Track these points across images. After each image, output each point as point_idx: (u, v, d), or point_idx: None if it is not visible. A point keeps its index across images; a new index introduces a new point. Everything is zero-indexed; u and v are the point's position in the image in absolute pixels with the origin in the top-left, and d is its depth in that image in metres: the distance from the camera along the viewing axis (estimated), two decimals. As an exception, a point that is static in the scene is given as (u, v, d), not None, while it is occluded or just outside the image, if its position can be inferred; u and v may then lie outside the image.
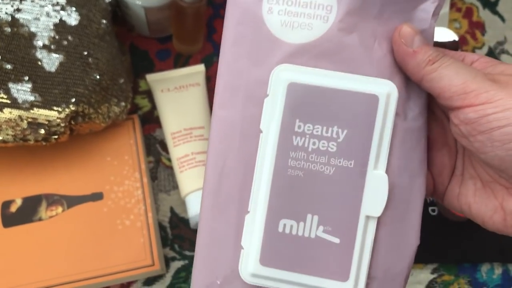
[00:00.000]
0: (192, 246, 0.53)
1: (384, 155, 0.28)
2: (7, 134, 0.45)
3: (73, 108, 0.46)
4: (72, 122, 0.47)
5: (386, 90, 0.28)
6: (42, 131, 0.45)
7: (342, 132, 0.28)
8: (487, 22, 0.61)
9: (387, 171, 0.28)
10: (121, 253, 0.49)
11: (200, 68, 0.55)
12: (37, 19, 0.46)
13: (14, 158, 0.51)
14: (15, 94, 0.44)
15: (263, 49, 0.29)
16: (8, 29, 0.45)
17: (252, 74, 0.29)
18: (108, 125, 0.51)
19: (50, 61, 0.46)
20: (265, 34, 0.29)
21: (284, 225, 0.28)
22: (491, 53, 0.60)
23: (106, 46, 0.49)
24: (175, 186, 0.54)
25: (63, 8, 0.47)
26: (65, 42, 0.46)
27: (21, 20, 0.46)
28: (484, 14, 0.61)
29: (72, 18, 0.47)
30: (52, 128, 0.46)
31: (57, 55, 0.46)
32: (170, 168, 0.55)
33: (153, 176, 0.54)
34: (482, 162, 0.27)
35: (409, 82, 0.29)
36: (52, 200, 0.51)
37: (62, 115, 0.45)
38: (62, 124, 0.46)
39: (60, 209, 0.50)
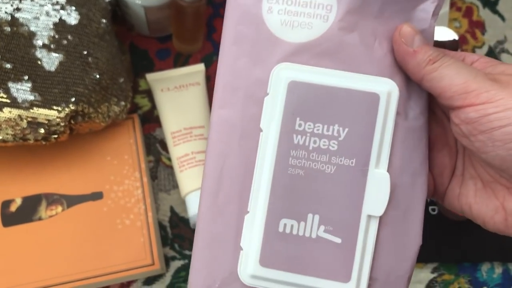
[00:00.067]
0: (192, 245, 0.53)
1: (386, 154, 0.28)
2: (7, 134, 0.44)
3: (73, 108, 0.46)
4: (72, 122, 0.47)
5: (387, 89, 0.28)
6: (42, 131, 0.45)
7: (343, 131, 0.28)
8: (487, 22, 0.61)
9: (388, 170, 0.28)
10: (121, 252, 0.49)
11: (200, 67, 0.55)
12: (36, 18, 0.46)
13: (14, 157, 0.51)
14: (14, 93, 0.44)
15: (263, 48, 0.29)
16: (8, 29, 0.45)
17: (252, 73, 0.29)
18: (108, 124, 0.51)
19: (50, 61, 0.46)
20: (265, 34, 0.29)
21: (285, 225, 0.28)
22: (491, 52, 0.60)
23: (106, 45, 0.49)
24: (175, 186, 0.54)
25: (62, 8, 0.47)
26: (65, 42, 0.46)
27: (20, 20, 0.46)
28: (484, 14, 0.61)
29: (72, 17, 0.47)
30: (52, 127, 0.46)
31: (56, 55, 0.46)
32: (170, 167, 0.54)
33: (153, 175, 0.54)
34: (483, 162, 0.27)
35: (410, 82, 0.29)
36: (52, 199, 0.51)
37: (62, 115, 0.45)
38: (62, 124, 0.46)
39: (60, 208, 0.50)
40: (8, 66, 0.44)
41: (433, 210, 0.53)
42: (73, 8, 0.47)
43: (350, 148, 0.28)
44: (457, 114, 0.26)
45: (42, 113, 0.45)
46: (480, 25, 0.61)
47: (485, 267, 0.54)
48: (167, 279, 0.52)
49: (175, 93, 0.54)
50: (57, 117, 0.45)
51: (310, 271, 0.28)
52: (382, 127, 0.28)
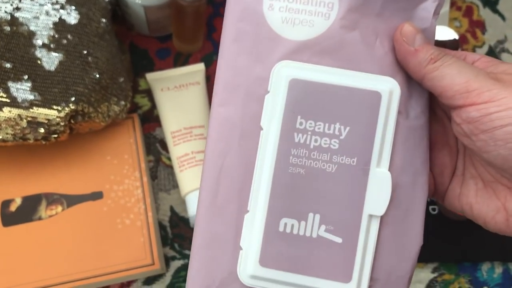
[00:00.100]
0: (192, 245, 0.53)
1: (387, 153, 0.28)
2: (7, 133, 0.44)
3: (72, 107, 0.46)
4: (72, 121, 0.47)
5: (389, 87, 0.28)
6: (42, 130, 0.45)
7: (344, 129, 0.28)
8: (487, 21, 0.61)
9: (390, 170, 0.28)
10: (121, 252, 0.49)
11: (200, 67, 0.55)
12: (36, 18, 0.46)
13: (13, 157, 0.51)
14: (14, 93, 0.44)
15: (264, 46, 0.29)
16: (8, 28, 0.45)
17: (253, 71, 0.29)
18: (108, 124, 0.51)
19: (50, 60, 0.46)
20: (266, 31, 0.29)
21: (285, 224, 0.28)
22: (491, 52, 0.60)
23: (105, 45, 0.49)
24: (175, 185, 0.54)
25: (62, 7, 0.47)
26: (65, 41, 0.46)
27: (20, 19, 0.45)
28: (485, 13, 0.61)
29: (72, 17, 0.47)
30: (52, 127, 0.45)
31: (56, 54, 0.46)
32: (170, 167, 0.54)
33: (153, 175, 0.54)
34: (484, 161, 0.27)
35: (411, 81, 0.29)
36: (52, 199, 0.50)
37: (62, 114, 0.45)
38: (62, 123, 0.46)
39: (60, 208, 0.50)
40: (8, 65, 0.44)
41: (433, 209, 0.53)
42: (73, 7, 0.47)
43: (351, 147, 0.28)
44: (459, 114, 0.26)
45: (42, 113, 0.45)
46: (481, 25, 0.60)
47: (485, 267, 0.54)
48: (167, 279, 0.52)
49: (175, 92, 0.54)
50: (57, 117, 0.45)
51: (310, 271, 0.28)
52: (384, 126, 0.28)
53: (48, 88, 0.45)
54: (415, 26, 0.28)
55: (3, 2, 0.45)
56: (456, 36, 0.48)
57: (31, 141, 0.46)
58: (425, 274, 0.53)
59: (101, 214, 0.50)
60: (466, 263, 0.54)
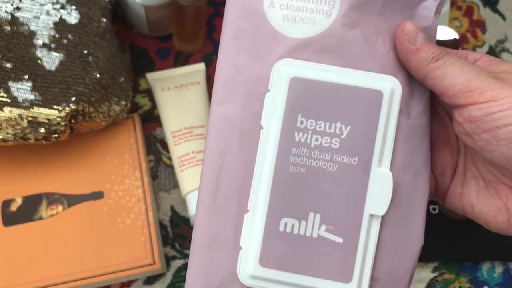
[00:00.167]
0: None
1: (388, 152, 0.28)
2: (7, 133, 0.44)
3: (73, 107, 0.46)
4: (72, 121, 0.47)
5: (390, 86, 0.28)
6: (42, 130, 0.45)
7: (345, 128, 0.28)
8: (487, 21, 0.61)
9: (391, 169, 0.28)
10: (122, 252, 0.49)
11: (200, 66, 0.55)
12: (37, 17, 0.46)
13: (14, 157, 0.51)
14: (15, 93, 0.44)
15: (264, 43, 0.28)
16: (8, 28, 0.45)
17: (253, 69, 0.28)
18: (109, 124, 0.51)
19: (50, 60, 0.46)
20: (266, 29, 0.28)
21: (285, 224, 0.28)
22: (491, 52, 0.60)
23: (106, 44, 0.49)
24: (175, 185, 0.54)
25: (63, 7, 0.47)
26: (65, 41, 0.46)
27: (21, 19, 0.45)
28: (485, 13, 0.61)
29: (72, 16, 0.47)
30: (52, 127, 0.45)
31: (57, 54, 0.46)
32: (171, 167, 0.54)
33: (154, 175, 0.54)
34: (487, 161, 0.27)
35: (412, 80, 0.29)
36: (53, 199, 0.50)
37: (62, 114, 0.45)
38: (62, 123, 0.46)
39: (60, 208, 0.50)
40: (9, 65, 0.44)
41: (434, 209, 0.53)
42: (73, 7, 0.47)
43: (352, 146, 0.28)
44: (460, 113, 0.26)
45: (43, 113, 0.45)
46: (481, 24, 0.60)
47: (485, 267, 0.54)
48: (168, 278, 0.52)
49: (176, 92, 0.54)
50: (58, 117, 0.45)
51: (311, 271, 0.27)
52: (385, 125, 0.28)
53: (48, 88, 0.45)
54: (417, 24, 0.28)
55: (4, 2, 0.45)
56: (457, 36, 0.48)
57: (32, 141, 0.46)
58: (426, 273, 0.53)
59: (102, 213, 0.50)
60: (466, 263, 0.54)
